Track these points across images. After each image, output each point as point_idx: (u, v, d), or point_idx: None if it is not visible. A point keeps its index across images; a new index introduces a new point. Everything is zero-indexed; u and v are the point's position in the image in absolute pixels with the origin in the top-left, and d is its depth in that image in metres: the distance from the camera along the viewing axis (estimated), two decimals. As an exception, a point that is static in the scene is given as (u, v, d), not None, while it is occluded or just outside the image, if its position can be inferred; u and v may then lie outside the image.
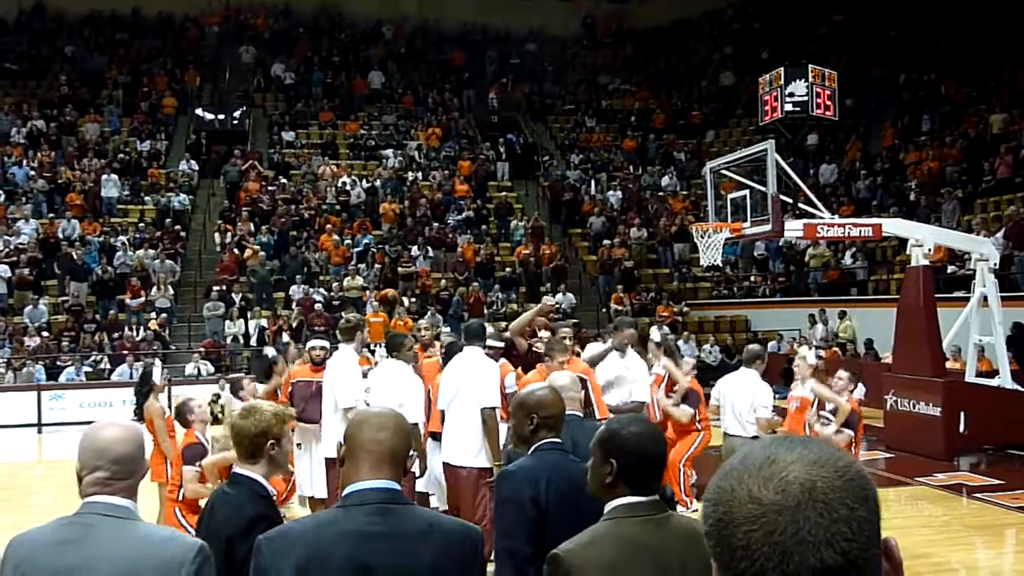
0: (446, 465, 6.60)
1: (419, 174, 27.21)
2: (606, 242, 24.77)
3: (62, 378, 18.76)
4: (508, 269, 24.14)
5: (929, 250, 12.97)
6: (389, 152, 27.87)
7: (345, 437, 2.41)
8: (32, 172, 24.68)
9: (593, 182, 27.79)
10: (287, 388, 8.65)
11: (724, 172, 13.81)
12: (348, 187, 25.87)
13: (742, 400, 7.55)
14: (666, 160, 29.10)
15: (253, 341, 20.69)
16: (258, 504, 3.06)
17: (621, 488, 2.54)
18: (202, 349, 20.16)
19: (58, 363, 19.35)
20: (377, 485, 2.32)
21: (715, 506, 1.13)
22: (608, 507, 2.56)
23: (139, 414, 8.05)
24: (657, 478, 2.60)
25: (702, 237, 13.37)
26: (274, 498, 3.20)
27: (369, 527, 2.27)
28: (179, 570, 2.24)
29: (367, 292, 22.33)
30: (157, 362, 14.29)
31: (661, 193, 27.46)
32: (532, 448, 3.39)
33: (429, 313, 21.36)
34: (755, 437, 7.50)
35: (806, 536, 1.06)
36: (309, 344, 9.09)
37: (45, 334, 19.86)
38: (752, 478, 1.12)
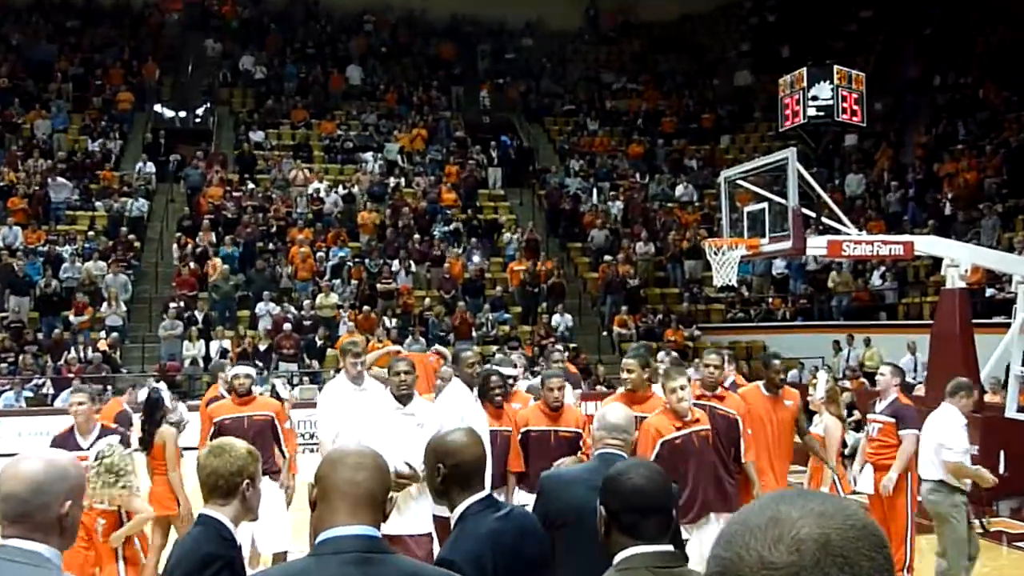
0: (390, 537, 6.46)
1: (402, 180, 27.25)
2: (609, 258, 24.83)
3: (-1, 403, 18.68)
4: (499, 287, 24.16)
5: (966, 271, 13.04)
6: (368, 155, 27.90)
7: (317, 477, 2.40)
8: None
9: (595, 191, 27.87)
10: (207, 429, 7.89)
11: (740, 182, 13.87)
12: (322, 194, 25.89)
13: (929, 438, 7.50)
14: (676, 168, 29.21)
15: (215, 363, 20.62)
16: (216, 544, 3.07)
17: (618, 538, 2.57)
18: (156, 374, 20.08)
19: (-5, 387, 19.27)
20: (355, 532, 2.30)
21: None
22: (616, 560, 2.59)
23: (148, 443, 7.82)
24: (662, 524, 2.60)
25: (715, 254, 13.41)
26: (239, 543, 3.21)
27: None
28: None
29: (342, 311, 22.32)
30: (162, 384, 14.28)
31: (670, 204, 27.56)
32: (456, 515, 3.15)
33: (410, 337, 21.36)
34: (940, 482, 7.44)
35: None
36: (232, 371, 8.27)
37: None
38: (759, 541, 1.13)
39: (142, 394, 9.20)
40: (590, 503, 3.87)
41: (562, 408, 7.02)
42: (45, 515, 2.33)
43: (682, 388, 6.27)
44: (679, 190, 28.05)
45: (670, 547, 2.58)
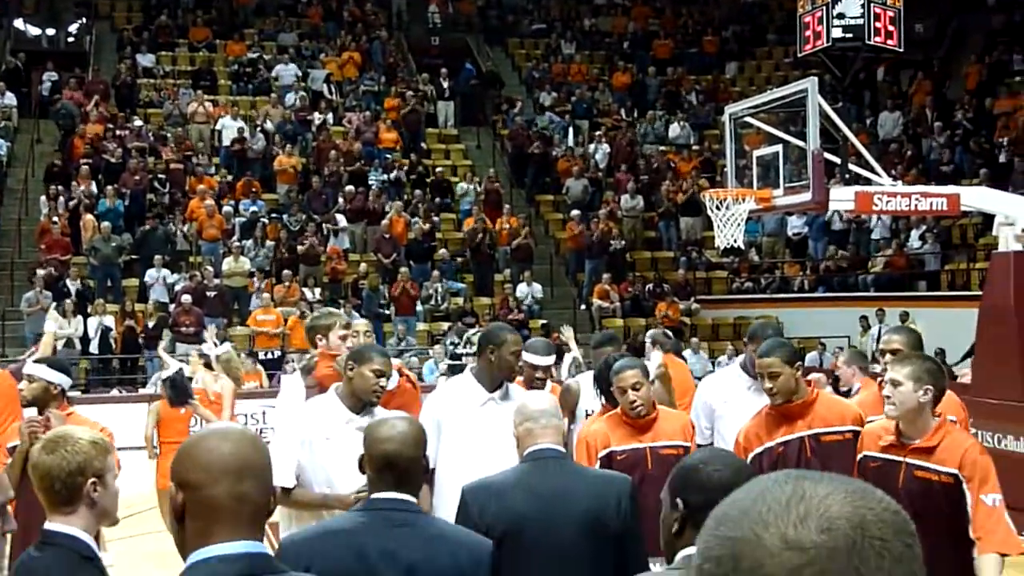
0: None
1: (329, 116, 27.09)
2: (584, 213, 24.87)
3: None
4: (451, 250, 24.12)
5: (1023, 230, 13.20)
6: (288, 83, 27.70)
7: (181, 484, 2.36)
8: None
9: (571, 131, 27.86)
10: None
11: (749, 120, 13.92)
12: (229, 133, 25.69)
13: None
14: (671, 103, 29.26)
15: (95, 347, 20.49)
16: (84, 572, 3.04)
17: (692, 535, 2.67)
18: (22, 358, 19.88)
19: None
20: (240, 550, 2.30)
21: (732, 561, 1.17)
22: (676, 559, 2.74)
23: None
24: None
25: (718, 208, 13.45)
26: (101, 561, 3.20)
27: None
28: None
29: (254, 280, 22.22)
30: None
31: (663, 148, 27.62)
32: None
33: (342, 310, 21.31)
34: None
35: None
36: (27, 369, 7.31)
37: None
38: (780, 519, 1.16)
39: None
40: (531, 512, 3.88)
41: (650, 413, 5.85)
42: None
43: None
44: (674, 130, 28.09)
45: None
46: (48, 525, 3.16)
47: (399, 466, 3.43)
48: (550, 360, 6.70)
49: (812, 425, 5.46)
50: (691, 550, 2.64)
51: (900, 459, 4.81)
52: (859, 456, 5.13)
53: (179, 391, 9.98)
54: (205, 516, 2.30)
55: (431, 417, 5.57)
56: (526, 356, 6.62)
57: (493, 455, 5.09)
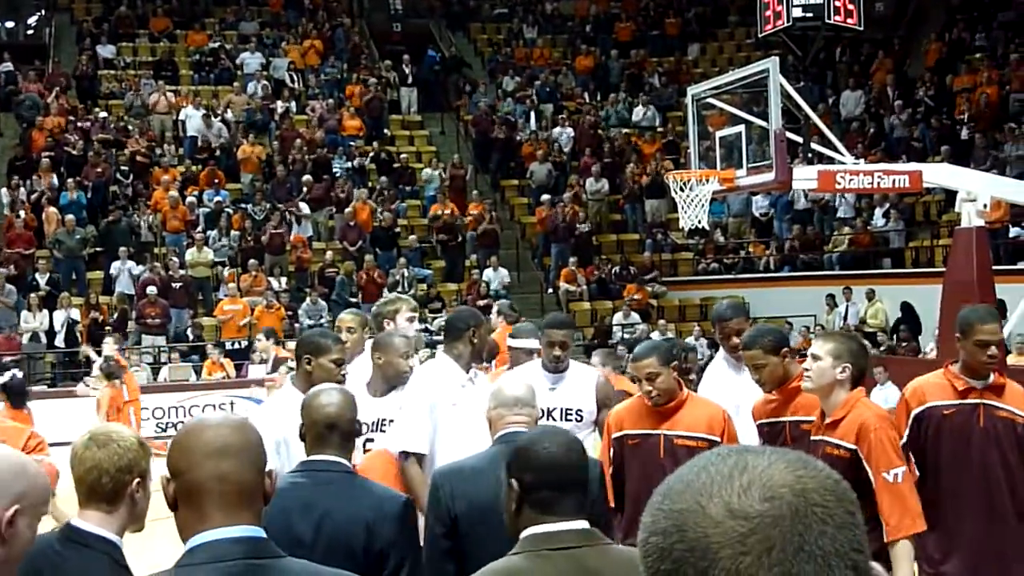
0: None
1: (292, 104, 26.96)
2: (551, 198, 24.86)
3: None
4: (417, 236, 24.07)
5: (985, 206, 13.26)
6: (250, 72, 27.55)
7: (171, 472, 2.37)
8: None
9: (534, 116, 27.85)
10: None
11: (712, 101, 13.93)
12: (192, 123, 25.52)
13: None
14: (634, 86, 29.27)
15: (60, 340, 20.33)
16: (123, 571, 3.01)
17: (529, 515, 2.76)
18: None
19: None
20: (235, 535, 2.30)
21: (678, 532, 1.16)
22: (519, 539, 2.77)
23: None
24: (576, 498, 2.78)
25: (682, 190, 13.49)
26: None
27: None
28: None
29: (220, 269, 22.08)
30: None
31: (627, 131, 27.64)
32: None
33: (308, 300, 21.26)
34: None
35: (813, 549, 1.13)
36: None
37: None
38: (723, 489, 1.16)
39: None
40: (499, 497, 3.94)
41: (669, 401, 5.46)
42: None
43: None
44: (638, 113, 28.12)
45: (586, 524, 2.75)
46: (79, 523, 3.08)
47: (340, 428, 3.71)
48: (537, 344, 6.65)
49: (796, 412, 5.34)
50: (534, 529, 2.75)
51: (819, 437, 4.77)
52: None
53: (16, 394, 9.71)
54: (194, 501, 2.32)
55: (423, 401, 5.58)
56: (515, 342, 6.68)
57: (477, 437, 4.99)
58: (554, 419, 6.00)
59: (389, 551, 3.51)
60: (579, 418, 5.96)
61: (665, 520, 1.18)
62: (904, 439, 4.99)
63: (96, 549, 3.01)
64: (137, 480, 3.12)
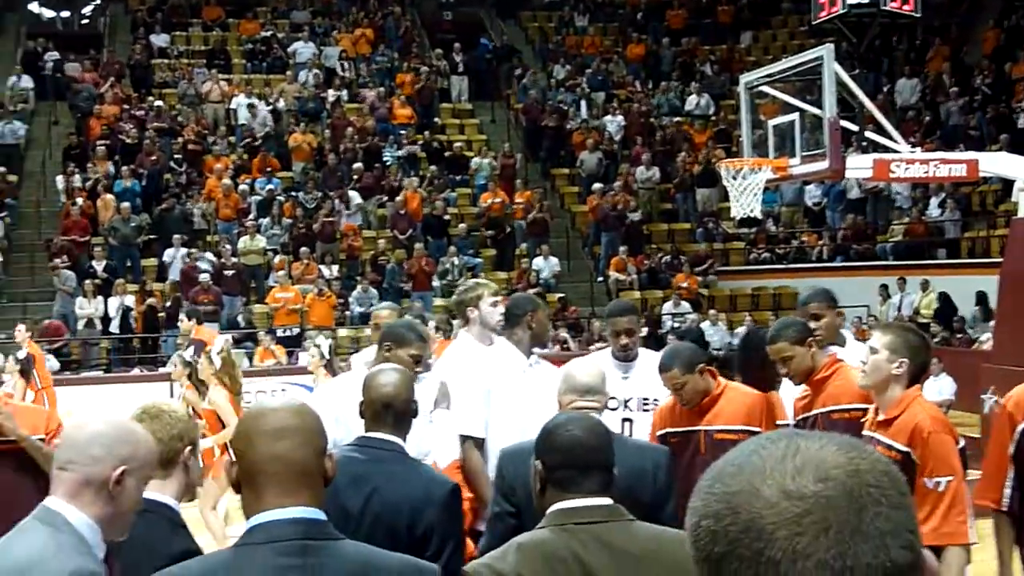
0: None
1: (343, 93, 27.07)
2: (602, 187, 24.83)
3: None
4: (467, 225, 24.12)
5: (1043, 195, 13.11)
6: (302, 61, 27.69)
7: (235, 454, 2.45)
8: None
9: (585, 104, 27.79)
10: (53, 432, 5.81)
11: (765, 89, 13.85)
12: (244, 111, 25.70)
13: None
14: (686, 74, 29.15)
15: (115, 326, 20.56)
16: (179, 538, 3.19)
17: (552, 493, 2.86)
18: (44, 339, 19.93)
19: None
20: (292, 515, 2.35)
21: (731, 515, 1.17)
22: (544, 515, 2.86)
23: None
24: (599, 477, 2.88)
25: (734, 178, 13.42)
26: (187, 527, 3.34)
27: (282, 572, 2.29)
28: None
29: (271, 257, 22.26)
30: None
31: (679, 119, 27.53)
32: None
33: (359, 287, 21.37)
34: None
35: (869, 529, 1.14)
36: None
37: None
38: (776, 472, 1.17)
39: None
40: None
41: (709, 394, 5.45)
42: (87, 473, 2.57)
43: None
44: (690, 101, 27.99)
45: (609, 501, 2.84)
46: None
47: (395, 408, 3.81)
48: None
49: (826, 403, 5.28)
50: (558, 505, 2.84)
51: (870, 433, 4.59)
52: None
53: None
54: (253, 482, 2.39)
55: (480, 386, 5.65)
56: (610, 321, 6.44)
57: (537, 421, 5.06)
58: (630, 409, 6.01)
59: (432, 534, 3.57)
60: (656, 405, 5.89)
61: (717, 503, 1.19)
62: (1012, 450, 4.67)
63: (156, 513, 3.19)
64: (189, 448, 3.37)
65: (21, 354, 13.08)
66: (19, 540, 2.53)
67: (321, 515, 2.39)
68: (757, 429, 5.20)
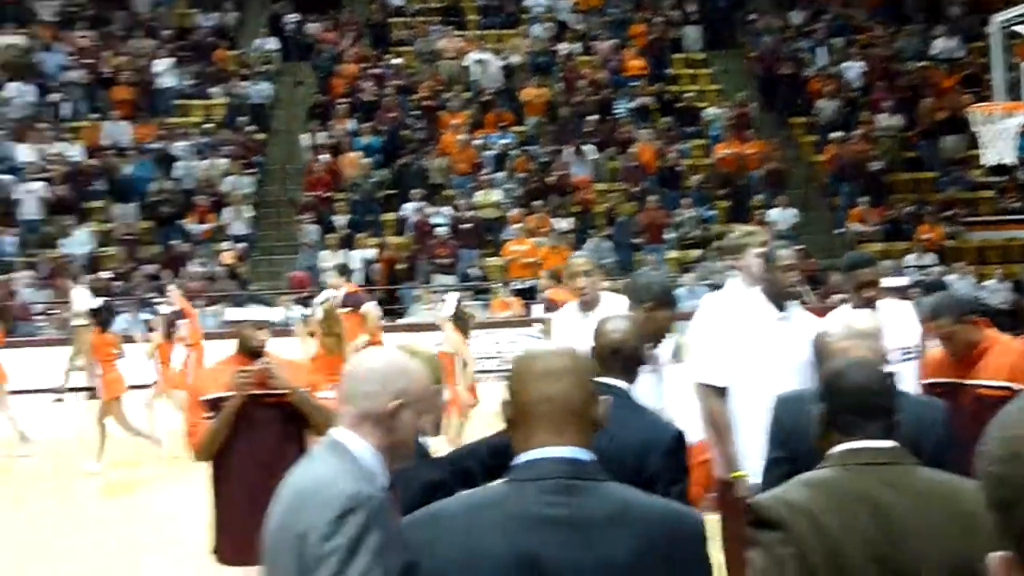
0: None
1: (576, 46, 27.17)
2: (841, 135, 24.23)
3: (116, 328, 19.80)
4: (701, 176, 23.93)
5: None
6: (535, 15, 27.90)
7: (509, 393, 2.53)
8: (69, 59, 25.86)
9: (824, 50, 27.13)
10: (196, 412, 5.86)
11: (1019, 29, 13.29)
12: (478, 67, 26.11)
13: None
14: (931, 15, 28.09)
15: (358, 278, 21.29)
16: (427, 468, 3.50)
17: (835, 437, 2.88)
18: (293, 291, 20.79)
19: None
20: (558, 454, 2.42)
21: (1014, 459, 1.17)
22: (825, 456, 2.89)
23: None
24: (882, 422, 2.87)
25: (984, 124, 12.96)
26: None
27: (545, 509, 2.36)
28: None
29: (506, 211, 22.65)
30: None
31: (924, 63, 26.58)
32: None
33: (592, 240, 21.49)
34: None
35: None
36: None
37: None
38: None
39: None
40: None
41: (977, 347, 5.51)
42: (365, 407, 2.72)
43: None
44: (936, 44, 26.97)
45: (893, 443, 2.83)
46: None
47: (623, 354, 3.98)
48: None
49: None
50: (840, 447, 2.85)
51: None
52: None
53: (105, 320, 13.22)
54: (523, 421, 2.48)
55: (726, 334, 5.65)
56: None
57: (786, 371, 5.16)
58: (889, 361, 5.90)
59: (657, 480, 3.62)
60: (917, 353, 5.81)
61: (1000, 448, 1.18)
62: None
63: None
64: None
65: (166, 310, 14.62)
66: (308, 466, 2.73)
67: (588, 455, 2.44)
68: (1021, 388, 4.99)
